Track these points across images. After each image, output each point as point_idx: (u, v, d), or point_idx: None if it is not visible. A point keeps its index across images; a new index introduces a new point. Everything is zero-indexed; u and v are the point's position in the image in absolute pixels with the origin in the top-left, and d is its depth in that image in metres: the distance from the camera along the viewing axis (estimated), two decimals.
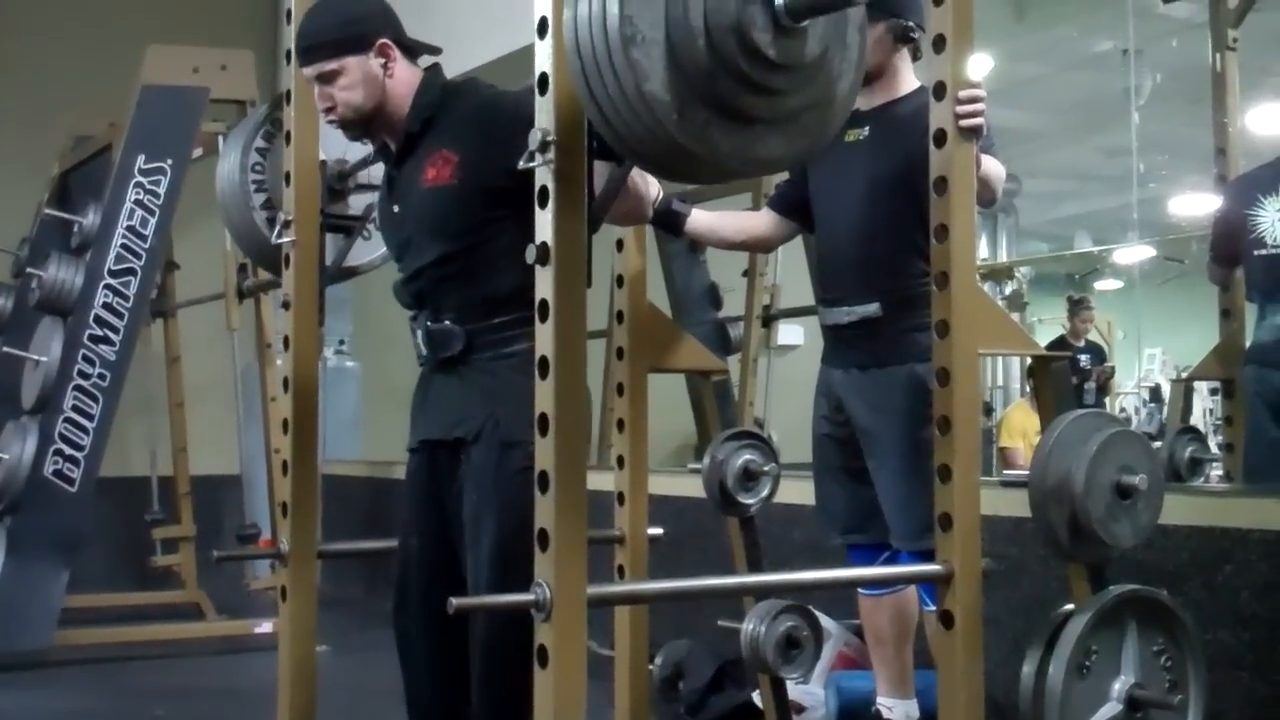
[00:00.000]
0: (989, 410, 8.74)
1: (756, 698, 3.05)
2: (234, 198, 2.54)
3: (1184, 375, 4.60)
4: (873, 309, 2.62)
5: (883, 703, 2.84)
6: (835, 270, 2.74)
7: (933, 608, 2.57)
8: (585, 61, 1.51)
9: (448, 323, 2.19)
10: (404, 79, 2.24)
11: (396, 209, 2.27)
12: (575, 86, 1.55)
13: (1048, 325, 9.70)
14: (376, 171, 2.56)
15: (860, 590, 2.84)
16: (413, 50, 2.27)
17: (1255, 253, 3.58)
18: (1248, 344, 3.74)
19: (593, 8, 1.48)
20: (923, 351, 2.49)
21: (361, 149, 2.52)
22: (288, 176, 2.39)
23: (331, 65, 2.19)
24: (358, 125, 2.25)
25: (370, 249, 2.68)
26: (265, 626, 4.62)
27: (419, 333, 2.24)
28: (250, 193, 2.55)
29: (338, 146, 2.58)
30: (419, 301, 2.24)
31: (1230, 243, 3.71)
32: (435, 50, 2.32)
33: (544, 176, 1.64)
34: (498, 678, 2.12)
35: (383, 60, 2.22)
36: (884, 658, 2.82)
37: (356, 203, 2.62)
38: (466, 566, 2.16)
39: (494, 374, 2.15)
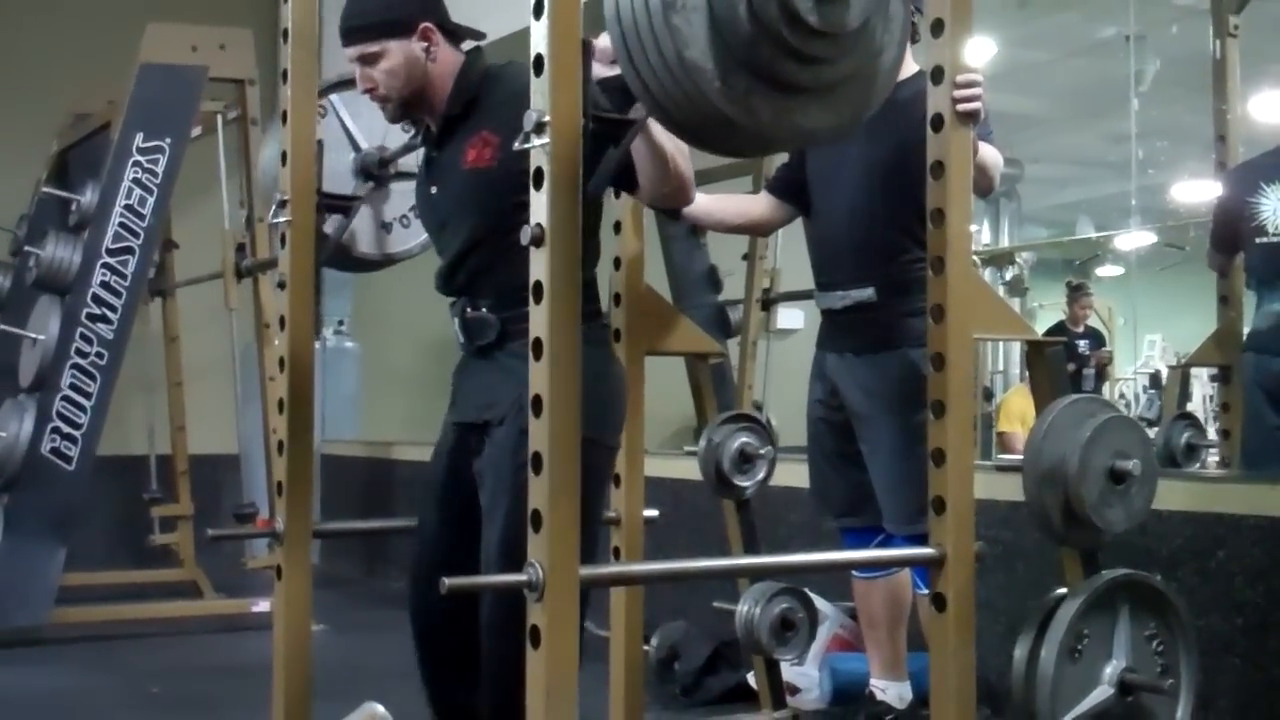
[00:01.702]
0: (989, 395, 8.75)
1: (751, 679, 3.06)
2: (275, 184, 2.55)
3: (1182, 361, 4.60)
4: (868, 293, 2.63)
5: (876, 685, 2.85)
6: (831, 255, 2.74)
7: (926, 591, 2.58)
8: (625, 29, 1.51)
9: (484, 311, 2.20)
10: (446, 62, 2.24)
11: (435, 190, 2.28)
12: (616, 55, 1.54)
13: (1048, 311, 9.70)
14: (414, 160, 2.56)
15: (854, 573, 2.85)
16: (456, 34, 2.28)
17: (1256, 240, 3.57)
18: (1246, 331, 3.74)
19: None
20: (918, 337, 2.49)
21: (402, 136, 2.53)
22: (284, 156, 2.37)
23: (374, 47, 2.20)
24: (399, 107, 2.26)
25: (409, 236, 2.68)
26: (262, 605, 4.63)
27: (456, 320, 2.26)
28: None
29: (377, 134, 2.59)
30: (457, 289, 2.25)
31: (1230, 230, 3.70)
32: (478, 35, 2.32)
33: (539, 158, 1.64)
34: (505, 657, 2.12)
35: (425, 44, 2.22)
36: (877, 640, 2.83)
37: (398, 189, 2.62)
38: (485, 543, 2.17)
39: (526, 360, 2.14)
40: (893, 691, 2.84)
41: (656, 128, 1.95)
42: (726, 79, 1.49)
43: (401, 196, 2.63)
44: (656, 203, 2.24)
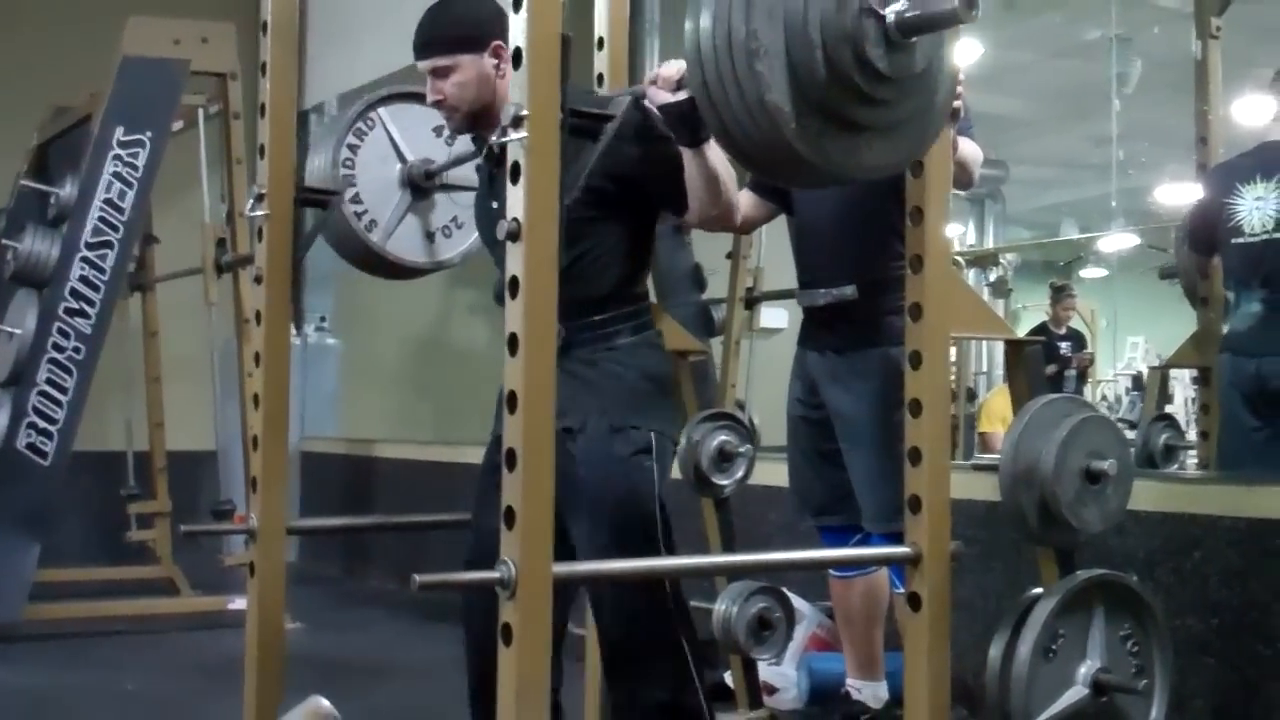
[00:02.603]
0: (972, 396, 8.77)
1: (728, 678, 3.06)
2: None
3: (1161, 363, 4.61)
4: (848, 291, 2.62)
5: (852, 684, 2.85)
6: (812, 252, 2.74)
7: (902, 589, 2.58)
8: (707, 70, 1.63)
9: None
10: None
11: (496, 205, 2.30)
12: (696, 95, 1.67)
13: (1032, 312, 9.74)
14: (460, 173, 2.66)
15: (831, 572, 2.85)
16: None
17: (1233, 241, 3.58)
18: (1224, 332, 3.74)
19: (717, 23, 1.60)
20: (898, 335, 2.49)
21: (445, 150, 2.63)
22: (261, 149, 2.36)
23: (445, 61, 2.26)
24: (465, 119, 2.32)
25: (454, 245, 2.75)
26: (239, 603, 4.59)
27: None
28: (342, 185, 2.63)
29: (422, 146, 2.68)
30: None
31: (1208, 231, 3.71)
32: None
33: (515, 152, 1.63)
34: (624, 650, 2.22)
35: (496, 61, 2.27)
36: (853, 639, 2.83)
37: (443, 202, 2.72)
38: (573, 544, 2.20)
39: (595, 364, 2.21)
40: (868, 691, 2.84)
41: (713, 153, 2.06)
42: (801, 120, 1.61)
43: (445, 207, 2.73)
44: (704, 225, 2.34)
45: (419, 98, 2.60)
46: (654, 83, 2.05)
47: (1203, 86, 3.95)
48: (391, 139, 2.68)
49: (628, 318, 2.24)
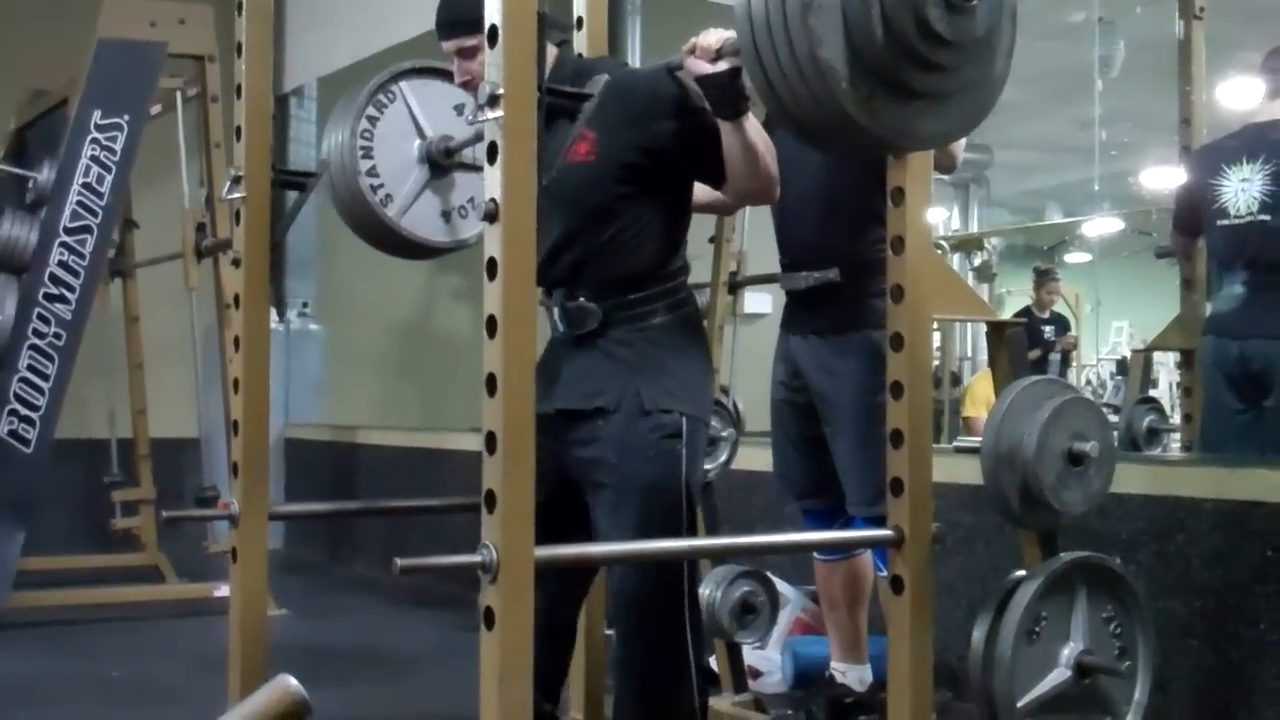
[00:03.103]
0: (956, 381, 8.78)
1: (713, 663, 3.05)
2: (341, 167, 2.56)
3: (1145, 346, 4.62)
4: (832, 274, 2.61)
5: (836, 668, 2.85)
6: (796, 235, 2.73)
7: (886, 573, 2.57)
8: (756, 26, 1.57)
9: (583, 300, 2.20)
10: (541, 56, 2.24)
11: None
12: (743, 51, 1.60)
13: (1016, 297, 9.76)
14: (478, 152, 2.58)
15: (815, 555, 2.84)
16: (550, 28, 2.27)
17: (1217, 223, 3.57)
18: (1207, 314, 3.74)
19: None
20: (881, 318, 2.48)
21: (466, 128, 2.56)
22: (238, 131, 2.34)
23: (471, 41, 2.21)
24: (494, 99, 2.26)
25: (471, 225, 2.68)
26: (224, 590, 4.55)
27: (556, 310, 2.26)
28: (358, 159, 2.57)
29: (443, 123, 2.61)
30: (555, 280, 2.25)
31: (1193, 212, 3.71)
32: (566, 27, 2.36)
33: (492, 131, 1.61)
34: (639, 634, 2.19)
35: None
36: (838, 623, 2.83)
37: (462, 181, 2.65)
38: (597, 526, 2.19)
39: (631, 344, 2.19)
40: (853, 675, 2.84)
41: (751, 125, 2.03)
42: (853, 80, 1.56)
43: (464, 186, 2.66)
44: (741, 199, 2.32)
45: (441, 73, 2.57)
46: (691, 52, 2.01)
47: (1186, 67, 3.95)
48: (412, 113, 2.61)
49: (664, 295, 2.21)
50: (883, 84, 1.58)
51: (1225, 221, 3.54)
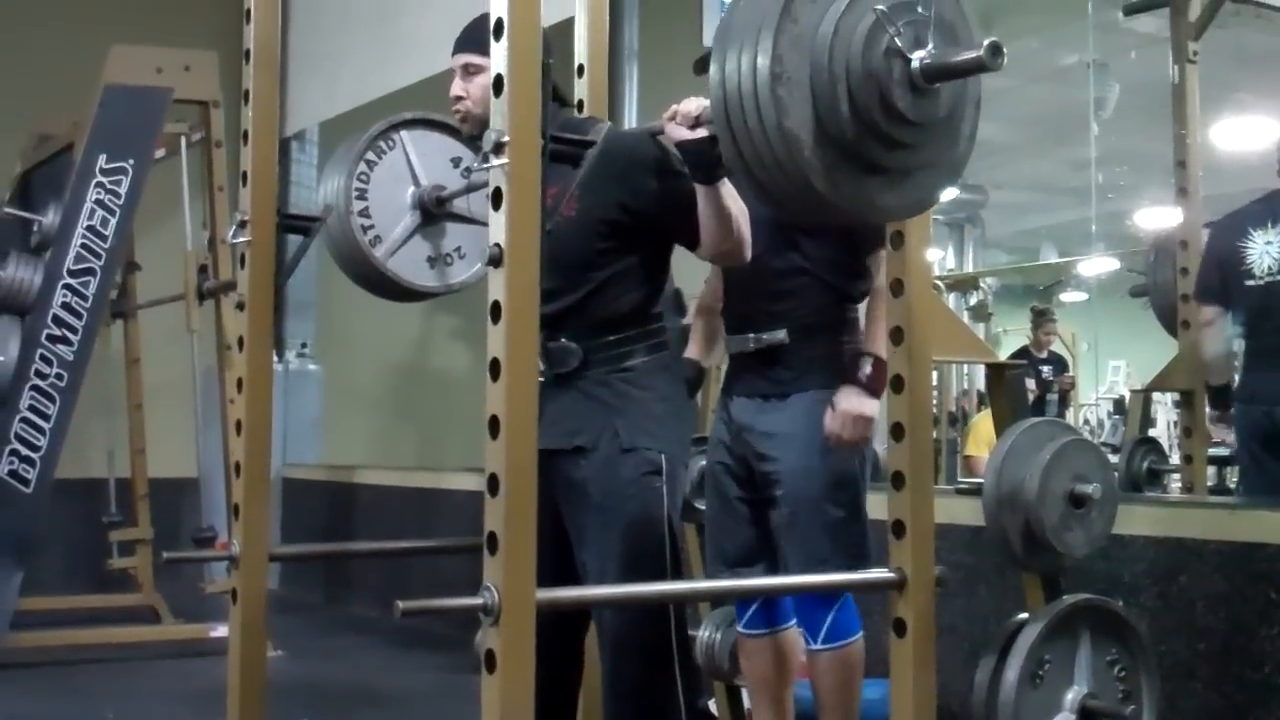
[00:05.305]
0: (954, 420, 8.77)
1: (713, 706, 3.04)
2: (336, 206, 2.62)
3: (1144, 386, 4.63)
4: (779, 336, 2.56)
5: None
6: (743, 296, 2.65)
7: (817, 647, 2.54)
8: (729, 94, 1.61)
9: (564, 340, 2.24)
10: None
11: None
12: (716, 119, 1.65)
13: (1013, 336, 9.76)
14: (470, 202, 2.68)
15: (740, 629, 2.70)
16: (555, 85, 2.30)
17: (1245, 284, 3.64)
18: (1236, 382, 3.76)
19: (744, 49, 1.60)
20: (827, 380, 2.50)
21: (460, 182, 2.64)
22: (244, 176, 2.36)
23: (477, 60, 2.26)
24: (478, 124, 2.30)
25: (456, 272, 2.75)
26: (221, 630, 4.56)
27: (539, 350, 2.26)
28: (353, 199, 2.63)
29: (438, 173, 2.69)
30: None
31: (1218, 276, 3.73)
32: (567, 102, 2.42)
33: (498, 178, 1.63)
34: (626, 675, 2.20)
35: None
36: (761, 705, 2.69)
37: (453, 230, 2.72)
38: (583, 565, 2.21)
39: (609, 385, 2.23)
40: None
41: (726, 190, 2.08)
42: (817, 151, 1.60)
43: (453, 235, 2.73)
44: (714, 260, 2.35)
45: (442, 126, 2.66)
46: (672, 118, 2.05)
47: (1181, 110, 3.99)
48: (409, 161, 2.69)
49: (643, 337, 2.26)
50: (845, 156, 1.62)
51: (1251, 282, 3.62)
